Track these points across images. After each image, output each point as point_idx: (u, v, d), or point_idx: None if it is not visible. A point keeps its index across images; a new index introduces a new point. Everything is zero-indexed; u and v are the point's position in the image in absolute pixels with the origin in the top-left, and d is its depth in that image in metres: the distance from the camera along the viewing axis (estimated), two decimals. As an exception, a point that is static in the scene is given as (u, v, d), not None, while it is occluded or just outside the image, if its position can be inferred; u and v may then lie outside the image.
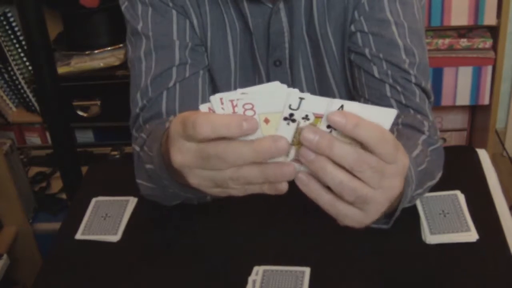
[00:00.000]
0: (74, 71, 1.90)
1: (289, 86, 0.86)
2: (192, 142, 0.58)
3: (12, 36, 1.99)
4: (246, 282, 0.79)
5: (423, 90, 0.92)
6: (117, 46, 1.89)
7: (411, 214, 0.87)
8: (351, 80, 0.98)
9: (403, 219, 0.87)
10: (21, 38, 1.98)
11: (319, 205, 0.61)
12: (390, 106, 0.90)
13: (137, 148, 0.88)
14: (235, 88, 0.75)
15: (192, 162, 0.59)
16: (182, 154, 0.59)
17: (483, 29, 2.00)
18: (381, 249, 0.83)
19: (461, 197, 0.88)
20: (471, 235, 0.83)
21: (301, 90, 0.97)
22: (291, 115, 0.58)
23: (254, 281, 0.79)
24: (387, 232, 0.85)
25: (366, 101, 0.94)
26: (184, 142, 0.59)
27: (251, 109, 0.58)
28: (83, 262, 0.87)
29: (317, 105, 0.58)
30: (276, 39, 0.95)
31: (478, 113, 2.20)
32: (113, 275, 0.84)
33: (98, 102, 1.93)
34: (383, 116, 0.58)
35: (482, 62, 1.98)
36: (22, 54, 2.01)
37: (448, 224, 0.84)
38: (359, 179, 0.58)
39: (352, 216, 0.62)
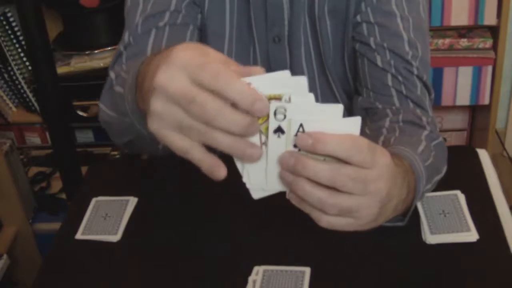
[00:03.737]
0: (74, 71, 1.90)
1: (287, 64, 0.89)
2: (190, 79, 0.55)
3: (12, 36, 1.99)
4: (246, 282, 0.79)
5: (424, 84, 0.93)
6: (117, 46, 1.89)
7: (411, 214, 0.87)
8: (353, 70, 1.00)
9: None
10: (21, 38, 1.98)
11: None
12: (391, 95, 0.92)
13: (113, 75, 0.85)
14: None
15: (173, 92, 0.55)
16: (169, 79, 0.55)
17: (483, 29, 2.00)
18: (381, 249, 0.83)
19: (461, 197, 0.88)
20: (471, 235, 0.83)
21: (300, 68, 0.99)
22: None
23: (254, 281, 0.79)
24: (387, 232, 0.85)
25: (368, 90, 0.95)
26: (180, 73, 0.55)
27: None
28: (83, 262, 0.87)
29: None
30: (275, 13, 0.96)
31: (478, 113, 2.20)
32: (113, 275, 0.84)
33: (98, 102, 1.93)
34: (350, 126, 0.59)
35: (482, 62, 1.98)
36: (22, 54, 2.01)
37: (448, 224, 0.84)
38: (343, 191, 0.59)
39: (346, 226, 0.63)
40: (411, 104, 0.92)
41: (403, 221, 0.80)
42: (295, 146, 0.59)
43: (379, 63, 0.92)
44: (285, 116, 0.57)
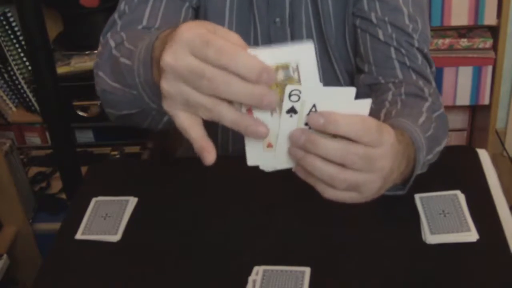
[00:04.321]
0: (74, 71, 1.90)
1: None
2: (195, 56, 0.56)
3: (12, 36, 1.99)
4: (246, 282, 0.79)
5: (425, 57, 0.96)
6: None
7: (411, 214, 0.87)
8: (354, 48, 1.01)
9: (403, 219, 0.87)
10: (21, 38, 1.98)
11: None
12: (394, 68, 0.95)
13: (112, 44, 0.85)
14: None
15: (181, 71, 0.57)
16: (176, 57, 0.57)
17: (483, 29, 2.00)
18: (381, 248, 0.83)
19: (461, 197, 0.88)
20: (471, 235, 0.83)
21: None
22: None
23: (254, 281, 0.79)
24: (387, 232, 0.85)
25: (371, 65, 0.97)
26: (185, 51, 0.56)
27: None
28: (83, 262, 0.87)
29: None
30: None
31: (478, 113, 2.20)
32: (113, 275, 0.84)
33: (98, 102, 1.92)
34: (360, 107, 0.61)
35: (482, 62, 1.98)
36: (22, 54, 2.01)
37: (448, 224, 0.84)
38: (351, 168, 0.62)
39: (349, 199, 0.66)
40: (413, 75, 0.94)
41: (404, 190, 0.82)
42: (306, 124, 0.61)
43: (381, 37, 0.94)
44: (299, 98, 0.59)
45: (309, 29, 1.01)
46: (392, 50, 0.94)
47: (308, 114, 0.60)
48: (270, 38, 1.01)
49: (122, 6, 0.96)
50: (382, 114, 0.88)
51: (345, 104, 0.60)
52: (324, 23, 0.99)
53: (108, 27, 0.94)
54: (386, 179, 0.66)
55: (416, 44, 0.95)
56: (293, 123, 0.61)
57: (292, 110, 0.60)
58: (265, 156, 0.64)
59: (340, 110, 0.60)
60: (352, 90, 0.60)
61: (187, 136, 0.60)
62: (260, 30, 1.01)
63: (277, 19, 1.00)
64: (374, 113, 0.71)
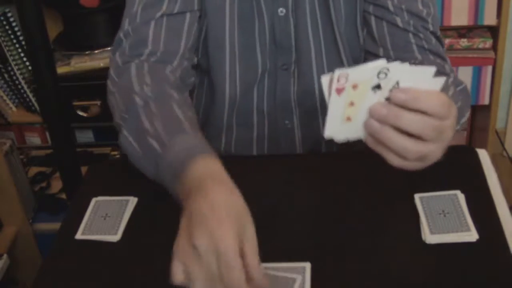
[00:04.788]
0: (74, 71, 1.90)
1: (291, 34, 1.01)
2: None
3: (12, 36, 1.99)
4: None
5: (438, 39, 1.02)
6: (117, 46, 1.89)
7: (411, 214, 0.87)
8: (365, 31, 1.04)
9: (403, 219, 0.87)
10: (21, 38, 1.98)
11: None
12: (413, 51, 1.00)
13: (141, 102, 0.88)
14: (230, 36, 0.98)
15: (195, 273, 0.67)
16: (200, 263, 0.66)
17: (483, 29, 2.00)
18: (381, 248, 0.83)
19: (461, 197, 0.88)
20: (471, 235, 0.83)
21: (306, 39, 1.04)
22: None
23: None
24: (387, 232, 0.85)
25: (388, 50, 1.01)
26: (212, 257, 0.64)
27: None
28: (83, 262, 0.87)
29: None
30: None
31: (478, 113, 2.20)
32: (113, 275, 0.84)
33: (98, 102, 1.93)
34: (435, 84, 0.70)
35: (482, 62, 1.98)
36: (22, 54, 2.01)
37: (448, 224, 0.84)
38: (421, 139, 0.69)
39: (414, 167, 0.73)
40: (431, 56, 1.00)
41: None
42: (386, 99, 0.69)
43: (400, 24, 0.99)
44: (386, 75, 0.67)
45: (314, 18, 1.02)
46: (411, 35, 0.99)
47: (390, 90, 0.68)
48: (274, 29, 1.02)
49: (125, 25, 0.99)
50: None
51: (424, 81, 0.68)
52: (335, 11, 1.01)
53: (116, 46, 1.00)
54: (445, 148, 0.73)
55: (431, 28, 1.00)
56: (375, 99, 0.69)
57: (377, 87, 0.68)
58: (341, 128, 0.72)
59: (419, 87, 0.67)
60: (432, 69, 0.68)
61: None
62: (267, 22, 1.02)
63: (281, 9, 1.01)
64: None
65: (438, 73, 0.94)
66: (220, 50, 1.03)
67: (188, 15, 0.99)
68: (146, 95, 0.88)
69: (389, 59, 0.98)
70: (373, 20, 1.02)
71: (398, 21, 0.99)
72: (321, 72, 1.04)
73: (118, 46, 0.99)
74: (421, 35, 0.99)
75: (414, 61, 0.99)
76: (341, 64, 1.05)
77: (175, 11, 0.97)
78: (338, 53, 1.05)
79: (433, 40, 1.00)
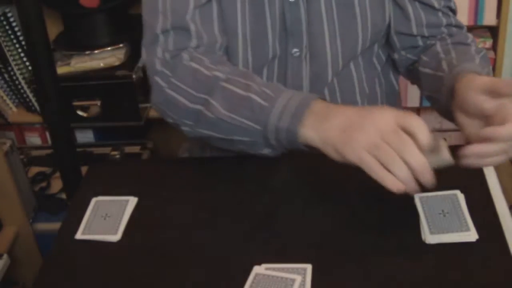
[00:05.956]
0: (74, 71, 1.90)
1: (302, 20, 1.05)
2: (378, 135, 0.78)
3: (12, 36, 1.99)
4: (245, 282, 0.79)
5: (453, 12, 1.13)
6: (117, 46, 1.89)
7: (411, 214, 0.87)
8: (394, 12, 1.09)
9: (402, 219, 0.87)
10: (21, 38, 1.98)
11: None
12: (441, 33, 1.10)
13: (222, 76, 0.95)
14: (242, 24, 1.02)
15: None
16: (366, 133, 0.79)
17: (483, 29, 2.00)
18: (380, 248, 0.83)
19: (461, 197, 0.88)
20: (471, 235, 0.83)
21: (320, 21, 1.05)
22: None
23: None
24: (387, 232, 0.85)
25: (422, 27, 1.09)
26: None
27: None
28: (83, 262, 0.87)
29: None
30: None
31: (478, 113, 2.19)
32: (113, 275, 0.84)
33: (98, 102, 1.93)
34: None
35: (482, 62, 1.98)
36: (22, 54, 2.01)
37: (448, 224, 0.84)
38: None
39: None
40: (454, 29, 1.11)
41: None
42: None
43: (436, 5, 1.08)
44: None
45: (329, 2, 1.03)
46: (440, 14, 1.09)
47: None
48: (285, 16, 1.02)
49: (159, 22, 1.00)
50: (445, 65, 1.00)
51: None
52: None
53: (152, 44, 1.01)
54: None
55: (453, 6, 1.11)
56: None
57: None
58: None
59: None
60: None
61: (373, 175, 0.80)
62: (276, 8, 1.02)
63: None
64: (433, 64, 1.03)
65: (462, 45, 1.07)
66: (233, 38, 1.04)
67: (214, 3, 1.01)
68: (225, 70, 0.95)
69: (423, 36, 1.09)
70: (406, 1, 1.07)
71: (435, 2, 1.08)
72: (335, 53, 1.06)
73: (156, 43, 1.01)
74: (450, 13, 1.10)
75: (440, 36, 1.09)
76: (356, 43, 1.07)
77: (203, 1, 1.00)
78: (356, 30, 1.06)
79: (451, 15, 1.11)
